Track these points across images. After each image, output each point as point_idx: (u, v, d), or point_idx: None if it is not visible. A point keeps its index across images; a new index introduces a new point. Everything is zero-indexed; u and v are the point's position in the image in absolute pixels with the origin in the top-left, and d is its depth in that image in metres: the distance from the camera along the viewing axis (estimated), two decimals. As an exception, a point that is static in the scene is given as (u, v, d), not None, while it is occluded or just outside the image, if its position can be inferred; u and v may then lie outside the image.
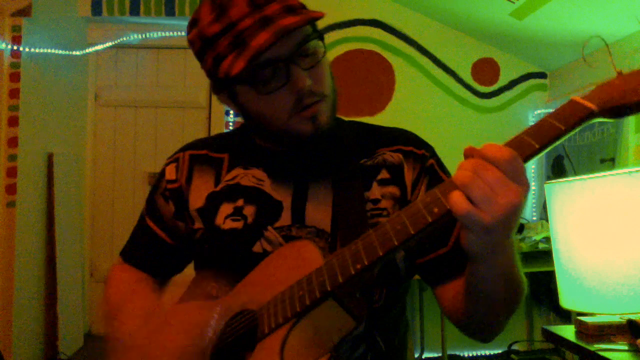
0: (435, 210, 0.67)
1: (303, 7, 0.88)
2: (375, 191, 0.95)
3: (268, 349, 0.81)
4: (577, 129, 0.65)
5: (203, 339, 0.88)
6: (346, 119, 1.06)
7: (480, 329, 0.87)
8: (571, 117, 0.64)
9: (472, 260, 0.73)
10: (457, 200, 0.63)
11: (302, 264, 0.82)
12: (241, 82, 0.88)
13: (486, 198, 0.62)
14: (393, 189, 0.95)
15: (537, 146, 0.65)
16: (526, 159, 0.65)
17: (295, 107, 0.87)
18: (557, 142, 0.66)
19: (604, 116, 0.65)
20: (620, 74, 0.65)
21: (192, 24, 0.90)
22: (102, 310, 1.04)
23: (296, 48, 0.85)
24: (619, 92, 0.64)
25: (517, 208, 0.63)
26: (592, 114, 0.64)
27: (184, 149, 1.07)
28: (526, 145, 0.65)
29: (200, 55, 0.91)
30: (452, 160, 0.97)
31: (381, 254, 0.71)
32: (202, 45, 0.89)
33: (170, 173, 1.04)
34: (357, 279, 0.75)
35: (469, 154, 0.66)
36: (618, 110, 0.64)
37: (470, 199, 0.63)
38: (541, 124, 0.66)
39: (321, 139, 0.90)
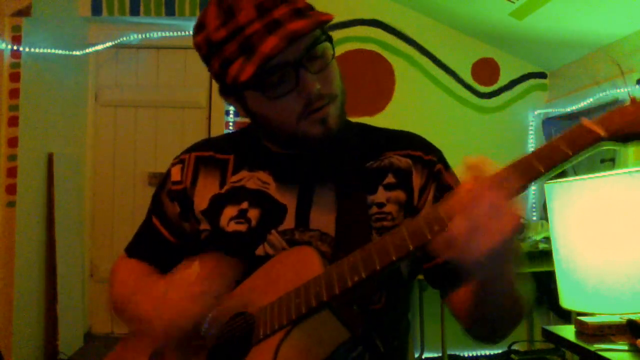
0: (436, 228, 0.68)
1: (311, 8, 0.88)
2: (381, 195, 0.94)
3: (262, 354, 0.81)
4: (586, 154, 0.65)
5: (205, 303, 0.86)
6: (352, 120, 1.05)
7: (489, 334, 0.90)
8: (578, 141, 0.64)
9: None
10: (441, 244, 0.65)
11: (302, 271, 0.82)
12: (249, 88, 0.87)
13: (466, 240, 0.63)
14: (399, 194, 0.94)
15: (542, 170, 0.65)
16: (532, 181, 0.66)
17: (304, 111, 0.87)
18: (565, 166, 0.66)
19: (613, 142, 0.64)
20: (634, 100, 0.64)
21: (199, 28, 0.89)
22: (113, 297, 1.03)
23: (305, 52, 0.85)
24: (631, 119, 0.63)
25: (502, 245, 0.63)
26: (600, 139, 0.63)
27: (189, 150, 1.06)
28: (533, 169, 0.66)
29: (207, 60, 0.90)
30: (452, 161, 0.97)
31: (378, 268, 0.73)
32: (208, 50, 0.87)
33: (176, 174, 1.03)
34: (354, 290, 0.75)
35: (471, 168, 0.66)
36: (628, 137, 0.63)
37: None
38: (549, 147, 0.66)
39: (330, 142, 0.89)
